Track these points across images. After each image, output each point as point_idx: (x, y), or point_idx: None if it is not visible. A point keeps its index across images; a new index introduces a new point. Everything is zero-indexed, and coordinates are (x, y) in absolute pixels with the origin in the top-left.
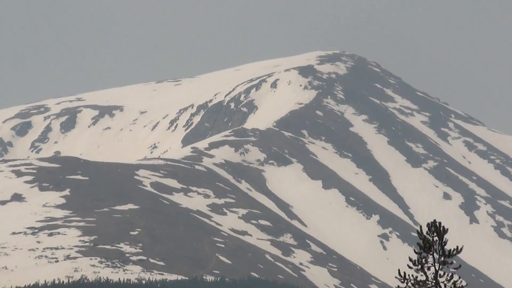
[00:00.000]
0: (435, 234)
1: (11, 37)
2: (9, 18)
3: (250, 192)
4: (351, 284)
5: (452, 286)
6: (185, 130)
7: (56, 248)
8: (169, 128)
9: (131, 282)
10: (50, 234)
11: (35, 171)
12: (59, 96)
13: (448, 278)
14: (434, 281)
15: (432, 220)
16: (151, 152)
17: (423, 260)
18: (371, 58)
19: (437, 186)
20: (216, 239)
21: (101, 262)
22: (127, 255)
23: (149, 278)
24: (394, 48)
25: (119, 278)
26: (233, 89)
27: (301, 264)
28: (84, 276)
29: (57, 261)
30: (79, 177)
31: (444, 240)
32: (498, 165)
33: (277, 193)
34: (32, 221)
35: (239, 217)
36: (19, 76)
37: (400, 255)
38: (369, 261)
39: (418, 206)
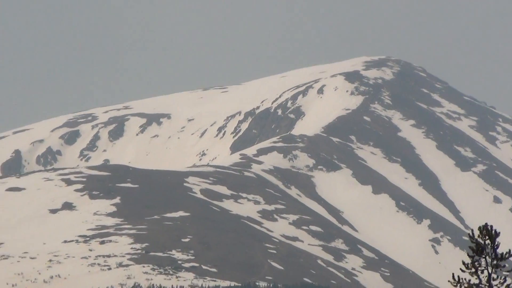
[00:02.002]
0: (487, 237)
1: (60, 47)
2: (57, 28)
3: (300, 198)
4: None
5: None
6: (233, 137)
7: (108, 256)
8: (217, 135)
9: None
10: (102, 242)
11: (84, 179)
12: (106, 105)
13: (502, 281)
14: (488, 285)
15: (484, 224)
16: (200, 159)
17: (476, 263)
18: (417, 63)
19: (487, 190)
20: (267, 245)
21: (153, 269)
22: (179, 262)
23: (201, 284)
24: (440, 53)
25: (172, 285)
26: (280, 96)
27: (353, 269)
28: (137, 283)
29: (109, 269)
30: (129, 185)
31: (496, 243)
32: None
33: (327, 199)
34: (84, 229)
35: (289, 223)
36: (67, 85)
37: (452, 259)
38: (421, 265)
39: (469, 210)
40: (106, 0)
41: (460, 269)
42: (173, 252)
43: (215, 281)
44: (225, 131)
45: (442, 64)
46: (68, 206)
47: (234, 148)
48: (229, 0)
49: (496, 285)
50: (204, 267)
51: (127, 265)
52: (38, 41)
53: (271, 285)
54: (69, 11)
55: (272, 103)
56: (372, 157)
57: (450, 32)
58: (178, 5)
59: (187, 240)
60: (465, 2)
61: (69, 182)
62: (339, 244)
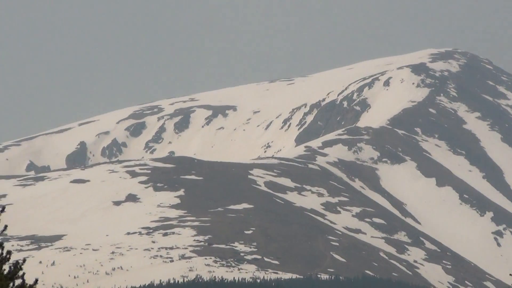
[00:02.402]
0: None
1: (129, 39)
2: (125, 20)
3: (363, 191)
4: (466, 281)
5: None
6: (298, 129)
7: (171, 248)
8: (282, 127)
9: (246, 281)
10: (165, 234)
11: (149, 171)
12: (172, 97)
13: None
14: None
15: None
16: (265, 152)
17: None
18: (484, 55)
19: None
20: (330, 237)
21: (215, 262)
22: (242, 254)
23: (263, 277)
24: (507, 45)
25: (234, 277)
26: (346, 88)
27: (415, 261)
28: (199, 276)
29: (172, 261)
30: (193, 177)
31: None
32: None
33: (390, 191)
34: (147, 221)
35: (352, 216)
36: (133, 77)
37: None
38: (483, 258)
39: None
40: None
41: None
42: (236, 244)
43: (277, 273)
44: (290, 123)
45: (509, 57)
46: (132, 198)
47: (299, 140)
48: None
49: None
50: (266, 259)
51: (189, 257)
52: (107, 32)
53: (332, 278)
54: (138, 3)
55: (338, 95)
56: (436, 149)
57: None
58: None
59: (250, 232)
60: None
61: (133, 174)
62: (401, 236)
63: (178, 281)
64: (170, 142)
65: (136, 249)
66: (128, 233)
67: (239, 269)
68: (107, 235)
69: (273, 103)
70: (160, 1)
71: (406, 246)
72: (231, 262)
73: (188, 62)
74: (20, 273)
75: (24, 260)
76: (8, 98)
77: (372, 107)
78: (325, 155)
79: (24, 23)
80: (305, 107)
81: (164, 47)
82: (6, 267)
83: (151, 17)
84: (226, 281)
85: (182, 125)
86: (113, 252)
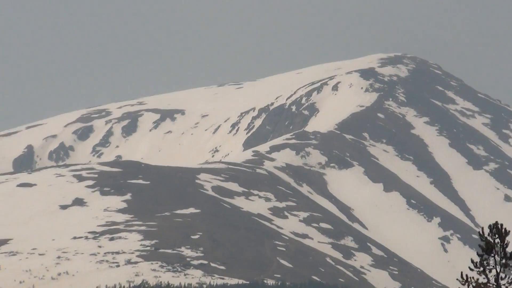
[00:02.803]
0: (496, 236)
1: (76, 42)
2: (73, 23)
3: (311, 195)
4: (412, 287)
5: None
6: (246, 134)
7: (117, 253)
8: (230, 131)
9: (192, 287)
10: (111, 239)
11: (96, 175)
12: (120, 100)
13: (510, 281)
14: (496, 284)
15: (494, 222)
16: (213, 156)
17: (485, 262)
18: (433, 60)
19: (498, 189)
20: (277, 242)
21: (162, 267)
22: (188, 259)
23: (210, 282)
24: (456, 50)
25: (180, 283)
26: (295, 92)
27: (362, 267)
28: (145, 281)
29: (118, 266)
30: (140, 181)
31: (506, 242)
32: None
33: (338, 196)
34: (94, 226)
35: (300, 221)
36: (81, 80)
37: (461, 257)
38: (430, 263)
39: (479, 209)
40: None
41: (469, 267)
42: (182, 249)
43: (223, 278)
44: (238, 128)
45: (457, 62)
46: (79, 202)
47: (247, 144)
48: None
49: (504, 284)
50: (212, 264)
51: (135, 262)
52: (55, 36)
53: (279, 283)
54: (86, 6)
55: (286, 100)
56: (384, 154)
57: (466, 29)
58: (195, 1)
59: (196, 237)
60: None
61: (80, 178)
62: (348, 242)
63: (124, 286)
64: (117, 146)
65: (82, 253)
66: (75, 238)
67: (185, 275)
68: (53, 240)
69: (221, 107)
70: (110, 2)
71: (353, 252)
72: (178, 267)
73: (136, 65)
74: None
75: None
76: None
77: (321, 111)
78: (272, 159)
79: None
80: (254, 111)
81: (112, 49)
82: None
83: (100, 19)
84: (172, 286)
85: (129, 129)
86: (59, 257)
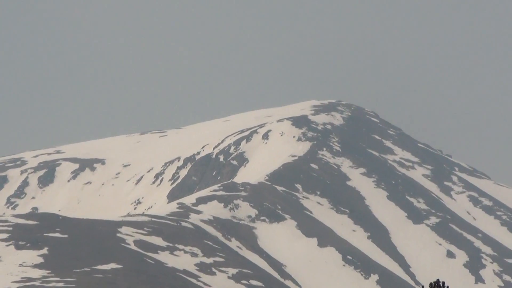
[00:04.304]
0: None
1: None
2: None
3: (240, 251)
4: None
5: None
6: (171, 185)
7: None
8: (154, 182)
9: None
10: None
11: (10, 228)
12: (36, 149)
13: None
14: None
15: (435, 280)
16: (135, 208)
17: None
18: (369, 107)
19: (440, 244)
20: None
21: None
22: None
23: None
24: (394, 98)
25: None
26: (222, 141)
27: None
28: None
29: None
30: (57, 234)
31: None
32: (505, 221)
33: (269, 252)
34: (8, 282)
35: (228, 277)
36: None
37: None
38: None
39: (420, 265)
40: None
41: None
42: None
43: None
44: (162, 178)
45: (395, 110)
46: None
47: (172, 196)
48: (172, 35)
49: None
50: None
51: None
52: None
53: None
54: None
55: (213, 149)
56: (318, 207)
57: (404, 77)
58: (117, 40)
59: None
60: (420, 45)
61: None
62: None
63: None
64: (33, 197)
65: None
66: None
67: None
68: None
69: (144, 156)
70: (28, 46)
71: None
72: None
73: (53, 111)
74: None
75: None
76: None
77: (250, 161)
78: (199, 212)
79: None
80: (179, 160)
81: (26, 93)
82: None
83: (14, 59)
84: None
85: (46, 179)
86: None
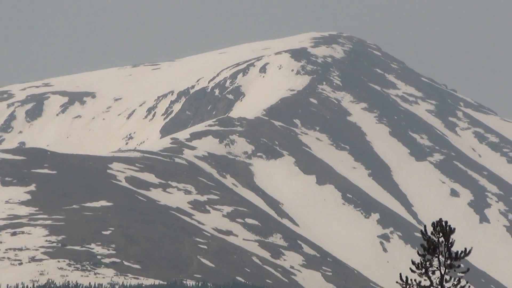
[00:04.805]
0: (440, 234)
1: None
2: None
3: (236, 188)
4: None
5: None
6: (164, 119)
7: (20, 249)
8: (146, 116)
9: (103, 287)
10: (14, 234)
11: None
12: (24, 81)
13: (455, 283)
14: (440, 286)
15: (438, 219)
16: (126, 144)
17: (428, 263)
18: (371, 40)
19: (443, 182)
20: (197, 239)
21: (69, 265)
22: (99, 257)
23: (123, 282)
24: (397, 29)
25: (90, 283)
26: (218, 74)
27: (292, 267)
28: (51, 280)
29: (21, 264)
30: (46, 170)
31: (450, 241)
32: None
33: (266, 189)
34: None
35: (223, 216)
36: None
37: (402, 257)
38: (368, 264)
39: (423, 204)
40: None
41: (410, 269)
42: (93, 246)
43: (137, 278)
44: (155, 113)
45: (398, 42)
46: None
47: (165, 131)
48: None
49: (450, 287)
50: (126, 263)
51: (40, 260)
52: None
53: (200, 284)
54: None
55: (208, 82)
56: (317, 143)
57: (408, 6)
58: None
59: (108, 232)
60: None
61: None
62: (277, 239)
63: (27, 286)
64: (20, 132)
65: None
66: None
67: (95, 274)
68: None
69: (136, 90)
70: None
71: (282, 251)
72: (87, 266)
73: (42, 42)
74: None
75: None
76: None
77: (247, 95)
78: (193, 148)
79: None
80: (172, 94)
81: (13, 23)
82: None
83: None
84: (80, 286)
85: (34, 113)
86: None
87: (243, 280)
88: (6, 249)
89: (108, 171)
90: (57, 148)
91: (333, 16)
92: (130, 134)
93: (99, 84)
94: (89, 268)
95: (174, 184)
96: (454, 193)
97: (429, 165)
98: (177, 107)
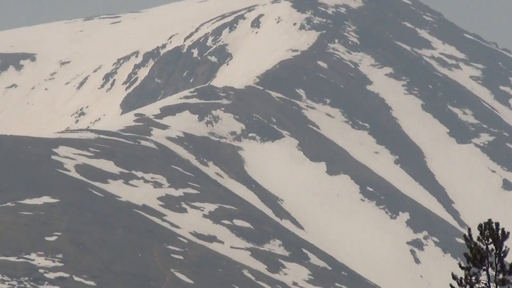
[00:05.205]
0: (490, 240)
1: None
2: None
3: (221, 180)
4: None
5: None
6: (126, 89)
7: None
8: (102, 86)
9: None
10: None
11: None
12: None
13: None
14: None
15: (487, 220)
16: (77, 121)
17: (473, 278)
18: None
19: (493, 171)
20: (171, 247)
21: (2, 281)
22: (41, 270)
23: None
24: None
25: None
26: (197, 30)
27: (295, 284)
28: None
29: None
30: None
31: (503, 249)
32: None
33: (260, 181)
34: None
35: (204, 215)
36: None
37: (440, 270)
38: (394, 278)
39: (466, 200)
40: None
41: (450, 285)
42: (33, 256)
43: None
44: (114, 80)
45: None
46: None
47: (127, 105)
48: None
49: None
50: (76, 278)
51: None
52: None
53: None
54: None
55: (184, 40)
56: (328, 120)
57: None
58: None
59: (53, 239)
60: None
61: None
62: (275, 247)
63: None
64: None
65: None
66: None
67: None
68: None
69: (90, 51)
70: None
71: (282, 262)
72: (25, 282)
73: None
74: None
75: None
76: None
77: (235, 57)
78: (165, 127)
79: None
80: (136, 56)
81: None
82: None
83: None
84: None
85: None
86: None
87: None
88: None
89: (53, 157)
90: None
91: None
92: (81, 109)
93: (40, 43)
94: (28, 286)
95: (139, 174)
96: (507, 185)
97: (474, 148)
98: (143, 73)
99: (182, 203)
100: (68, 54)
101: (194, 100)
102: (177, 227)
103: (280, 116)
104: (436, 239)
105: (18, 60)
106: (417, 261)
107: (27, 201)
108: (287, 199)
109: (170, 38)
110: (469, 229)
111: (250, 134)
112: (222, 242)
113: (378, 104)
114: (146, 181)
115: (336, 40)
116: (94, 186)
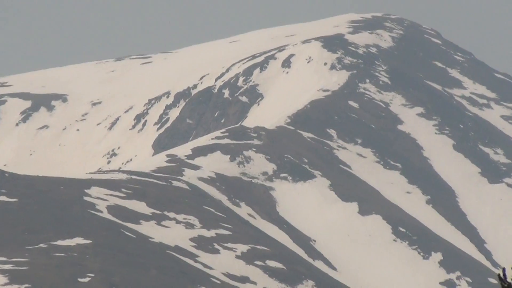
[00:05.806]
0: None
1: None
2: None
3: (253, 220)
4: None
5: None
6: (157, 130)
7: None
8: (134, 126)
9: None
10: None
11: None
12: None
13: None
14: None
15: None
16: (108, 162)
17: None
18: (428, 24)
19: None
20: None
21: None
22: None
23: None
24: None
25: None
26: (228, 70)
27: None
28: None
29: None
30: (3, 198)
31: None
32: None
33: (292, 221)
34: None
35: (237, 256)
36: None
37: None
38: None
39: (499, 240)
40: None
41: None
42: None
43: None
44: (146, 121)
45: (464, 27)
46: None
47: (159, 145)
48: None
49: None
50: None
51: None
52: None
53: None
54: None
55: (215, 81)
56: (359, 160)
57: None
58: None
59: (86, 280)
60: None
61: None
62: (308, 287)
63: None
64: None
65: None
66: None
67: None
68: None
69: (120, 91)
70: None
71: None
72: None
73: None
74: None
75: None
76: None
77: (266, 98)
78: (197, 167)
79: None
80: (168, 97)
81: None
82: None
83: None
84: None
85: None
86: None
87: None
88: None
89: (85, 198)
90: (17, 168)
91: None
92: (113, 150)
93: (71, 84)
94: None
95: (171, 215)
96: None
97: (506, 188)
98: (174, 113)
99: (214, 244)
100: (99, 95)
101: (226, 141)
102: (210, 268)
103: (311, 156)
104: (469, 279)
105: (50, 101)
106: None
107: (60, 242)
108: (319, 240)
109: (201, 78)
110: (504, 269)
111: (281, 175)
112: (255, 283)
113: (409, 144)
114: (178, 221)
115: (367, 80)
116: (126, 227)
